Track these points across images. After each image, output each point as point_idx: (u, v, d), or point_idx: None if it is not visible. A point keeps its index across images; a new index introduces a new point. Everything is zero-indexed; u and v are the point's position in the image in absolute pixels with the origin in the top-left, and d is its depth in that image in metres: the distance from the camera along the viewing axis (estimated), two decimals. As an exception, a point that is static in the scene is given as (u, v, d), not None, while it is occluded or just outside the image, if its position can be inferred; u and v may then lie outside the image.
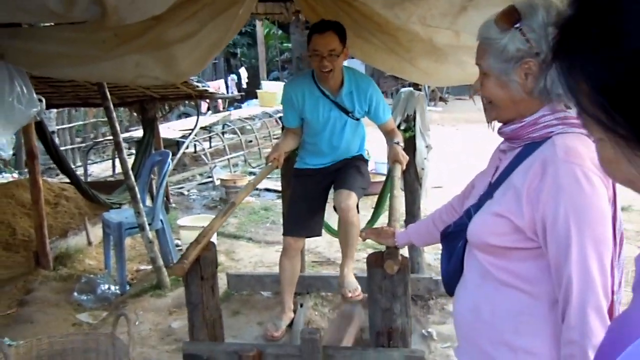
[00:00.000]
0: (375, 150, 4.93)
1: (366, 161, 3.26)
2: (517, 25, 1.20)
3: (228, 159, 8.58)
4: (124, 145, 4.35)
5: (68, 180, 5.34)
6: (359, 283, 3.06)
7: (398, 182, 2.60)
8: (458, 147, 9.37)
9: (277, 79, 16.66)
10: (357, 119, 3.05)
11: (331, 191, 3.19)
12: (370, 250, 4.82)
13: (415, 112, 3.68)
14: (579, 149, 1.18)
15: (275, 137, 10.02)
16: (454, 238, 1.42)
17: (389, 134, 3.10)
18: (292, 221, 3.14)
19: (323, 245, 4.89)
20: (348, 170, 3.08)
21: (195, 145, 9.37)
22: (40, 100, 3.11)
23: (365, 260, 4.53)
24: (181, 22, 2.72)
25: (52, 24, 2.64)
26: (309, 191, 3.14)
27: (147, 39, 2.71)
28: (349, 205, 2.90)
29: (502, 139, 1.39)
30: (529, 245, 1.23)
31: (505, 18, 1.21)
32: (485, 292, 1.31)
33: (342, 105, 2.96)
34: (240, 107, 13.28)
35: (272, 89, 12.76)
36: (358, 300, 3.00)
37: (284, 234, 3.15)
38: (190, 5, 2.63)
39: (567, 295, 1.14)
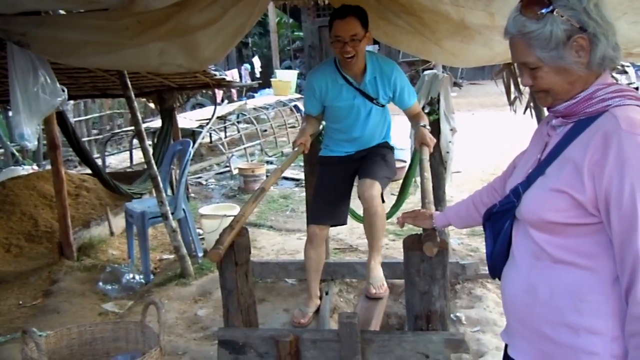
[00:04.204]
0: (394, 136, 4.88)
1: (392, 149, 3.18)
2: (551, 8, 1.18)
3: (244, 149, 8.57)
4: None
5: (88, 172, 5.35)
6: (389, 269, 3.01)
7: (427, 165, 2.56)
8: (475, 131, 9.28)
9: (289, 67, 16.59)
10: (382, 105, 2.98)
11: (356, 180, 3.14)
12: (392, 237, 4.82)
13: (439, 95, 3.62)
14: None
15: (290, 125, 9.98)
16: (500, 218, 1.39)
17: (414, 118, 3.03)
18: (318, 210, 3.09)
19: (345, 232, 4.87)
20: (373, 159, 3.01)
21: (211, 135, 9.37)
22: (62, 90, 3.11)
23: (387, 247, 4.51)
24: (204, 8, 2.69)
25: (76, 11, 2.63)
26: (334, 179, 3.07)
27: (170, 26, 2.68)
28: (373, 194, 2.84)
29: (545, 117, 1.35)
30: (589, 221, 1.20)
31: (534, 5, 1.20)
32: (540, 272, 1.28)
33: (366, 92, 2.89)
34: (253, 97, 13.24)
35: (286, 78, 12.69)
36: (382, 296, 2.96)
37: (309, 223, 3.11)
38: (213, -10, 2.60)
39: (634, 270, 1.12)
